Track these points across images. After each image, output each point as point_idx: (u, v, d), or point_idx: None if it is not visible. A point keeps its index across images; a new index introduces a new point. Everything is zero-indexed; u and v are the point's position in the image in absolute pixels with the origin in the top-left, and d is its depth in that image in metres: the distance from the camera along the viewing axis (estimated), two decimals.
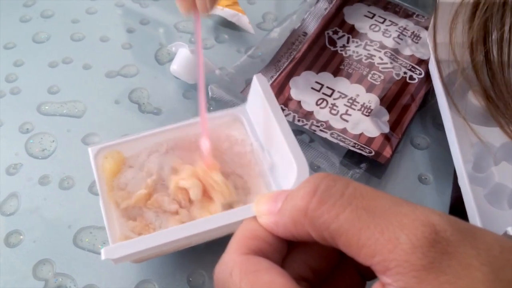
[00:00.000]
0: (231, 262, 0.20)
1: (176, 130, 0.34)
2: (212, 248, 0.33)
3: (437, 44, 0.38)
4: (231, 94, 0.40)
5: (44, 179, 0.37)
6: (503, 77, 0.35)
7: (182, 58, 0.41)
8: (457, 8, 0.35)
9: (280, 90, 0.39)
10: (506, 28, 0.34)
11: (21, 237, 0.34)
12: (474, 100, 0.37)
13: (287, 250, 0.22)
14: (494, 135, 0.36)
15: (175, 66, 0.41)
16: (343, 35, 0.42)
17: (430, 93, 0.40)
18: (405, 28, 0.42)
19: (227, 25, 0.47)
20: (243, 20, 0.46)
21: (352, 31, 0.42)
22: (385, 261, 0.17)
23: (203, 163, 0.31)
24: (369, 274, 0.22)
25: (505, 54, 0.34)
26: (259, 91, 0.31)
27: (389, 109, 0.38)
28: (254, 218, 0.22)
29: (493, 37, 0.34)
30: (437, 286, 0.16)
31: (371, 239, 0.18)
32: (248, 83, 0.41)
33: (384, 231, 0.17)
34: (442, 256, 0.17)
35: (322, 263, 0.22)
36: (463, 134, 0.35)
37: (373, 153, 0.36)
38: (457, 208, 0.34)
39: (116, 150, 0.33)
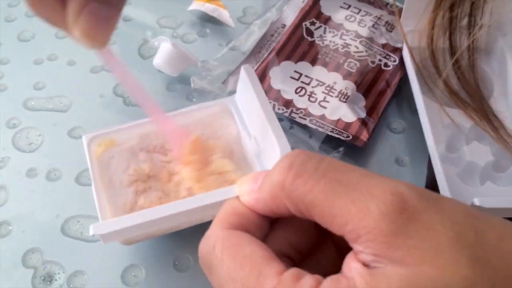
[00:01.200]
0: (213, 236, 0.21)
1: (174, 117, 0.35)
2: (198, 233, 0.34)
3: (408, 32, 0.40)
4: (212, 85, 0.41)
5: (31, 171, 0.38)
6: (469, 63, 0.37)
7: (164, 51, 0.42)
8: None
9: (261, 80, 0.40)
10: (478, 12, 0.36)
11: (10, 227, 0.35)
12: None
13: (268, 227, 0.23)
14: (465, 117, 0.37)
15: (158, 60, 0.42)
16: (320, 26, 0.43)
17: (404, 80, 0.41)
18: (379, 18, 0.44)
19: (209, 19, 0.48)
20: (224, 15, 0.47)
21: (328, 22, 0.44)
22: (357, 229, 0.18)
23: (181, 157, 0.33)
24: (347, 249, 0.23)
25: (473, 39, 0.36)
26: (247, 81, 0.33)
27: (365, 95, 0.39)
28: (237, 197, 0.23)
29: (458, 24, 0.35)
30: (405, 250, 0.17)
31: (343, 209, 0.18)
32: (229, 74, 0.42)
33: (355, 201, 0.18)
34: (409, 222, 0.18)
35: (301, 239, 0.23)
36: (435, 117, 0.37)
37: (351, 137, 0.37)
38: (432, 187, 0.36)
39: (110, 137, 0.34)
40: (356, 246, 0.19)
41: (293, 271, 0.19)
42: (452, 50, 0.36)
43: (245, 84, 0.33)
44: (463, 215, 0.19)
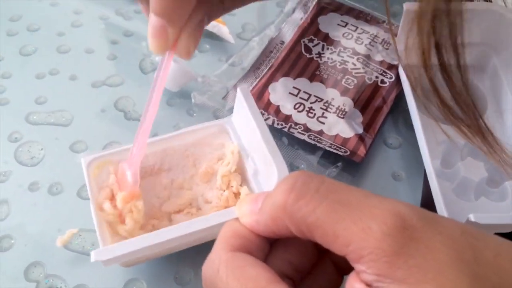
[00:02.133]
0: (217, 259, 0.22)
1: (167, 140, 0.36)
2: (197, 247, 0.34)
3: (404, 50, 0.41)
4: (212, 100, 0.42)
5: (33, 185, 0.38)
6: (462, 80, 0.38)
7: None
8: (413, 17, 0.37)
9: (260, 96, 0.41)
10: (462, 32, 0.37)
11: (12, 241, 0.35)
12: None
13: (269, 248, 0.23)
14: (459, 133, 0.38)
15: None
16: (318, 43, 0.44)
17: (400, 96, 0.42)
18: (376, 36, 0.45)
19: (208, 35, 0.49)
20: (224, 31, 0.48)
21: (326, 39, 0.45)
22: (359, 249, 0.19)
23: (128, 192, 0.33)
24: (346, 268, 0.23)
25: (462, 57, 0.37)
26: (243, 101, 0.33)
27: (363, 111, 0.40)
28: (237, 219, 0.24)
29: (445, 43, 0.36)
30: (407, 269, 0.18)
31: (346, 229, 0.19)
32: (229, 90, 0.43)
33: (357, 221, 0.19)
34: (410, 242, 0.18)
35: (302, 259, 0.23)
36: (430, 133, 0.38)
37: (348, 152, 0.38)
38: (428, 202, 0.37)
39: (109, 160, 0.34)
40: (358, 266, 0.19)
41: None
42: (443, 68, 0.37)
43: (241, 104, 0.34)
44: (461, 233, 0.19)
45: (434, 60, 0.40)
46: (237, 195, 0.34)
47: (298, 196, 0.20)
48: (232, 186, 0.34)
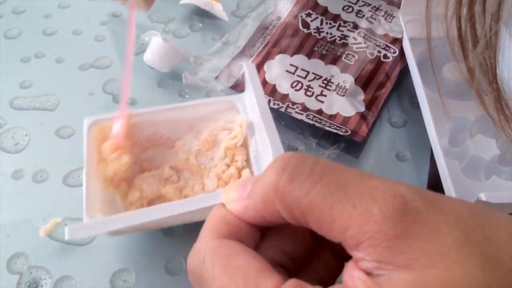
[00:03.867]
0: (203, 247, 0.20)
1: (172, 110, 0.34)
2: (189, 234, 0.33)
3: (408, 22, 0.38)
4: (205, 81, 0.40)
5: (17, 173, 0.36)
6: (488, 52, 0.35)
7: (155, 46, 0.40)
8: None
9: None
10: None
11: None
12: (449, 75, 0.37)
13: (259, 236, 0.22)
14: (469, 109, 0.36)
15: (148, 56, 0.41)
16: (317, 17, 0.42)
17: (404, 71, 0.39)
18: (378, 8, 0.42)
19: (201, 13, 0.46)
20: (217, 8, 0.45)
21: (325, 13, 0.42)
22: (359, 234, 0.17)
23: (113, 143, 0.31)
24: (345, 255, 0.21)
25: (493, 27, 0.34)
26: (247, 78, 0.31)
27: (364, 88, 0.38)
28: (224, 205, 0.22)
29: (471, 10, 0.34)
30: (410, 253, 0.16)
31: (343, 213, 0.17)
32: (222, 69, 0.40)
33: (356, 204, 0.17)
34: (413, 225, 0.17)
35: (296, 247, 0.21)
36: (437, 110, 0.35)
37: (349, 132, 0.36)
38: (435, 183, 0.34)
39: (109, 124, 0.32)
40: (356, 254, 0.17)
41: (292, 282, 0.17)
42: (474, 35, 0.35)
43: (247, 81, 0.31)
44: (469, 213, 0.17)
45: (455, 30, 0.37)
46: (241, 170, 0.31)
47: (290, 178, 0.18)
48: (236, 161, 0.32)
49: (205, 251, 0.19)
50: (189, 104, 0.34)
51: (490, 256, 0.16)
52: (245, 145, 0.33)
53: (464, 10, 0.35)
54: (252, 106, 0.32)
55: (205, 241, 0.20)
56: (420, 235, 0.16)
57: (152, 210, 0.27)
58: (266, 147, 0.29)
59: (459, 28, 0.35)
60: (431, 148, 0.36)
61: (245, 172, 0.31)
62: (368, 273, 0.17)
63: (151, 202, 0.32)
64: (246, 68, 0.31)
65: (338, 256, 0.22)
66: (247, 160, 0.32)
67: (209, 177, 0.31)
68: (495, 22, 0.33)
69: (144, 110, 0.33)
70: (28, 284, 0.31)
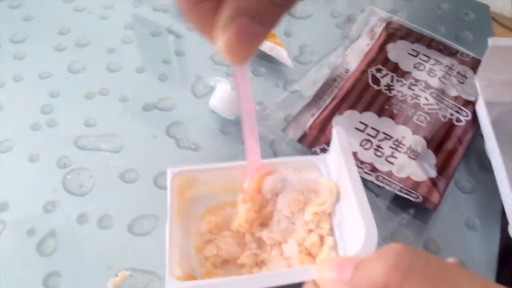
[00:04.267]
0: None
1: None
2: None
3: (484, 86, 0.37)
4: (271, 131, 0.39)
5: (82, 217, 0.36)
6: None
7: (221, 93, 0.40)
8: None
9: (322, 129, 0.38)
10: None
11: (60, 279, 0.33)
12: None
13: None
14: None
15: (215, 102, 0.40)
16: (387, 74, 0.41)
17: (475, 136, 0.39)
18: (450, 68, 0.41)
19: (264, 58, 0.46)
20: (282, 54, 0.45)
21: (396, 70, 0.41)
22: None
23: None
24: None
25: None
26: (337, 144, 0.31)
27: (436, 152, 0.37)
28: (315, 283, 0.21)
29: None
30: None
31: None
32: (289, 121, 0.40)
33: None
34: None
35: None
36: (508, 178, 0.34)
37: (421, 198, 0.35)
38: (507, 255, 0.33)
39: (192, 175, 0.33)
40: None
41: None
42: None
43: (336, 146, 0.31)
44: None
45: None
46: (323, 238, 0.31)
47: (403, 278, 0.18)
48: (321, 228, 0.31)
49: None
50: (268, 161, 0.33)
51: None
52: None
53: None
54: (338, 171, 0.31)
55: None
56: None
57: (245, 279, 0.26)
58: (353, 217, 0.28)
59: None
60: (502, 218, 0.35)
61: (329, 240, 0.30)
62: None
63: (224, 262, 0.31)
64: (336, 133, 0.30)
65: None
66: (330, 228, 0.31)
67: (287, 243, 0.30)
68: None
69: (222, 165, 0.33)
70: None
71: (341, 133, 0.30)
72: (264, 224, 0.31)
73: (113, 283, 0.32)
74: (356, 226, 0.27)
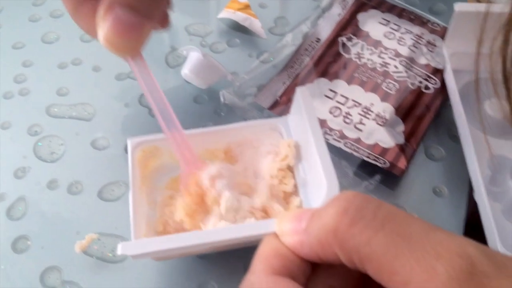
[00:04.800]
0: (257, 283, 0.20)
1: (211, 134, 0.33)
2: (223, 258, 0.32)
3: (452, 54, 0.38)
4: (243, 100, 0.40)
5: (52, 183, 0.36)
6: None
7: (194, 62, 0.40)
8: (483, 18, 0.34)
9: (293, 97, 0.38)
10: None
11: (29, 242, 0.33)
12: (491, 112, 0.37)
13: (310, 271, 0.21)
14: (511, 149, 0.35)
15: (187, 71, 0.40)
16: (357, 42, 0.41)
17: (444, 104, 0.39)
18: (420, 36, 0.41)
19: (239, 29, 0.46)
20: (255, 24, 0.45)
21: (366, 39, 0.41)
22: None
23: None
24: None
25: None
26: (300, 104, 0.31)
27: (404, 119, 0.37)
28: (276, 236, 0.22)
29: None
30: None
31: (405, 266, 0.17)
32: (260, 89, 0.40)
33: (420, 259, 0.17)
34: None
35: (346, 285, 0.21)
36: (479, 147, 0.35)
37: (388, 164, 0.35)
38: (473, 223, 0.34)
39: (155, 146, 0.33)
40: None
41: None
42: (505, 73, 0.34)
43: (298, 106, 0.31)
44: None
45: (486, 66, 0.37)
46: (287, 197, 0.31)
47: (352, 221, 0.18)
48: (286, 184, 0.31)
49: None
50: (230, 127, 0.34)
51: None
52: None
53: (510, 49, 0.34)
54: (301, 131, 0.31)
55: (259, 276, 0.20)
56: None
57: (206, 233, 0.27)
58: (316, 176, 0.29)
59: (504, 67, 0.35)
60: (469, 185, 0.35)
61: (295, 201, 0.30)
62: None
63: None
64: (300, 92, 0.31)
65: None
66: (295, 185, 0.32)
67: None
68: None
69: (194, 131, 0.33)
70: None
71: (304, 92, 0.31)
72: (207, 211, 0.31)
73: (80, 246, 0.32)
74: (319, 182, 0.28)
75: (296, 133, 0.32)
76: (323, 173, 0.27)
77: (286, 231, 0.21)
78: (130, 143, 0.32)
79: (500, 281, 0.17)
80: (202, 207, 0.30)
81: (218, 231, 0.27)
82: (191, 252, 0.30)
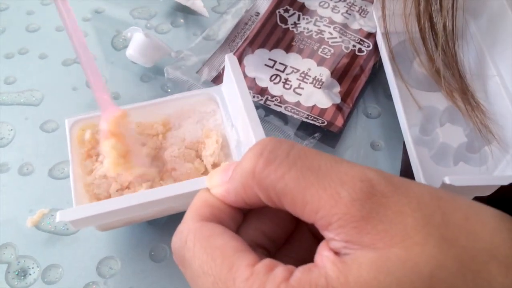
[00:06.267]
0: (186, 230, 0.21)
1: (153, 106, 0.35)
2: (173, 223, 0.34)
3: (381, 17, 0.40)
4: (187, 75, 0.41)
5: (3, 166, 0.37)
6: (448, 48, 0.37)
7: (137, 42, 0.41)
8: None
9: None
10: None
11: None
12: (419, 69, 0.39)
13: (242, 219, 0.23)
14: (438, 100, 0.37)
15: (131, 51, 0.42)
16: (294, 13, 0.43)
17: (378, 64, 0.41)
18: (353, 4, 0.44)
19: (183, 9, 0.47)
20: (198, 4, 0.46)
21: (302, 9, 0.43)
22: (328, 215, 0.18)
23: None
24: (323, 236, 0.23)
25: (451, 25, 0.36)
26: (229, 70, 0.32)
27: (340, 80, 0.39)
28: (207, 190, 0.23)
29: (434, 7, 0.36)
30: (375, 234, 0.17)
31: (314, 196, 0.18)
32: (203, 63, 0.42)
33: (326, 188, 0.18)
34: (378, 207, 0.18)
35: (276, 229, 0.23)
36: (409, 101, 0.37)
37: (326, 123, 0.37)
38: (407, 170, 0.36)
39: (92, 123, 0.34)
40: (327, 234, 0.19)
41: (266, 262, 0.19)
42: (433, 32, 0.37)
43: (228, 73, 0.33)
44: (430, 197, 0.19)
45: (412, 27, 0.39)
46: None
47: (266, 162, 0.20)
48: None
49: (188, 233, 0.21)
50: (167, 99, 0.35)
51: (447, 237, 0.17)
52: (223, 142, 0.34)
53: (422, 7, 0.36)
54: (233, 97, 0.33)
55: (188, 223, 0.21)
56: (384, 217, 0.18)
57: (142, 194, 0.28)
58: (249, 137, 0.30)
59: (420, 25, 0.37)
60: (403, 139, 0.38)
61: (223, 164, 0.32)
62: (336, 253, 0.18)
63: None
64: (228, 59, 0.32)
65: (316, 237, 0.23)
66: (227, 150, 0.33)
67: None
68: (453, 16, 0.35)
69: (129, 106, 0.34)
70: (17, 272, 0.32)
71: (232, 58, 0.32)
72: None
73: (31, 221, 0.33)
74: (249, 142, 0.29)
75: (229, 99, 0.34)
76: (252, 133, 0.29)
77: (215, 183, 0.22)
78: (67, 122, 0.33)
79: (397, 198, 0.18)
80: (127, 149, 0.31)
81: (154, 190, 0.28)
82: (134, 217, 0.31)
